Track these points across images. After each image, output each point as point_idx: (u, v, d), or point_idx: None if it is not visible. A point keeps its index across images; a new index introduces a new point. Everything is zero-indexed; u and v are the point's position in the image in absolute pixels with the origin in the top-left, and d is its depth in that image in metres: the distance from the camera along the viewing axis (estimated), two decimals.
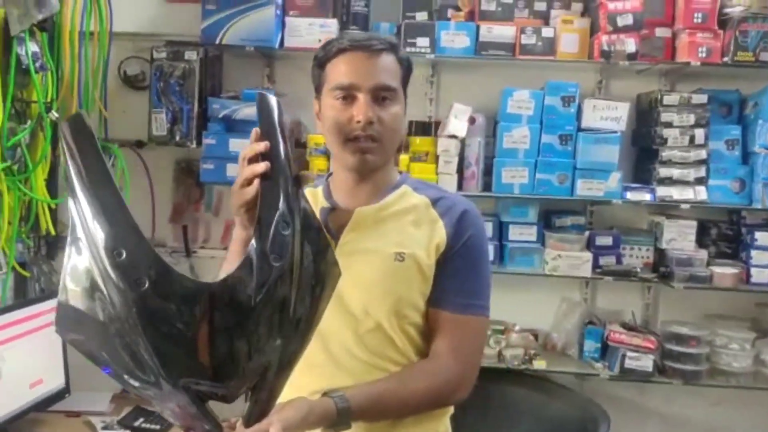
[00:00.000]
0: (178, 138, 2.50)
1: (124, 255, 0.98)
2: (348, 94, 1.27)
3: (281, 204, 1.07)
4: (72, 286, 1.01)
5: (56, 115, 2.28)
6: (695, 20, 2.43)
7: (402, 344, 1.31)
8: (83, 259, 0.99)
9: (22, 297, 2.45)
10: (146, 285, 0.97)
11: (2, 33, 2.06)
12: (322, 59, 1.33)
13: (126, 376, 1.02)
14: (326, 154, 2.50)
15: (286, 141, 1.12)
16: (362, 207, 1.34)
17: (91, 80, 2.43)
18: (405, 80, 1.35)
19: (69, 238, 1.01)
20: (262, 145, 1.10)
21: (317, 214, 1.30)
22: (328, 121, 1.30)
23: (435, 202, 1.34)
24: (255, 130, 1.13)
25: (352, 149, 1.29)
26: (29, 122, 2.23)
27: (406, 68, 1.35)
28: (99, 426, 2.34)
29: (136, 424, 2.37)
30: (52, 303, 2.31)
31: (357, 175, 1.34)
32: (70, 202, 1.02)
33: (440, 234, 1.31)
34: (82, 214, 1.00)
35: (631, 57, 2.44)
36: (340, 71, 1.29)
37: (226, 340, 1.01)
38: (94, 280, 0.98)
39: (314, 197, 1.40)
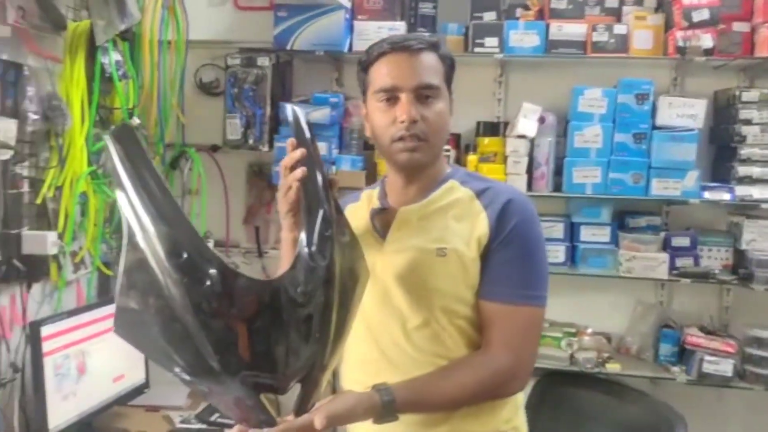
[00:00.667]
0: (251, 142, 2.57)
1: (185, 255, 1.01)
2: (391, 96, 1.30)
3: (322, 206, 1.14)
4: (131, 289, 1.03)
5: (138, 120, 2.38)
6: None
7: (452, 340, 1.31)
8: (143, 262, 1.02)
9: (106, 295, 2.56)
10: (207, 283, 1.01)
11: (88, 43, 2.17)
12: (365, 64, 1.36)
13: (183, 372, 1.05)
14: None
15: (317, 147, 1.21)
16: (406, 206, 1.36)
17: (169, 87, 2.53)
18: (448, 77, 1.36)
19: (126, 245, 1.03)
20: (299, 153, 1.17)
21: (368, 214, 1.39)
22: (374, 123, 1.34)
23: (479, 194, 1.34)
24: (290, 141, 1.21)
25: (398, 149, 1.31)
26: (113, 128, 2.32)
27: (449, 65, 1.36)
28: (177, 420, 2.42)
29: (212, 418, 2.44)
30: None
31: (406, 175, 1.36)
32: (126, 210, 1.03)
33: (482, 226, 1.30)
34: (140, 221, 1.02)
35: (708, 53, 2.37)
36: (381, 74, 1.32)
37: (281, 334, 1.06)
38: (155, 281, 1.01)
39: (370, 199, 1.45)
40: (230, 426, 2.35)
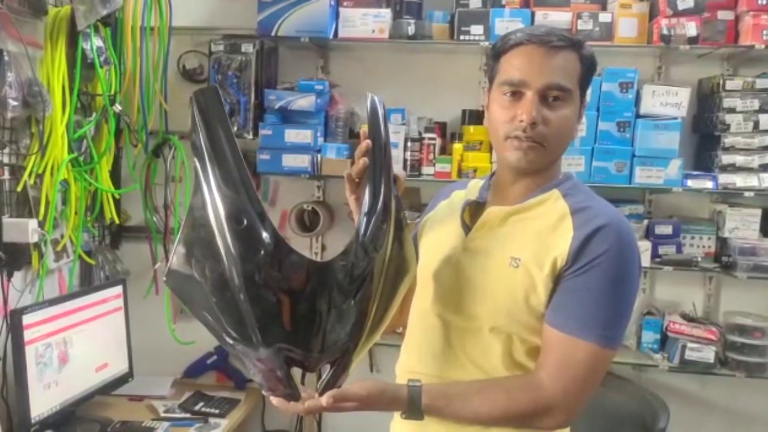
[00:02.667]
0: (235, 129, 2.54)
1: (245, 223, 1.03)
2: (516, 91, 1.22)
3: (382, 198, 1.14)
4: (186, 251, 1.06)
5: (119, 107, 2.36)
6: (759, 2, 2.35)
7: (502, 354, 1.26)
8: (204, 222, 1.04)
9: (88, 284, 2.54)
10: (261, 253, 1.03)
11: (68, 29, 2.13)
12: (498, 50, 1.28)
13: (224, 334, 1.08)
14: None
15: (389, 140, 1.20)
16: (495, 207, 1.30)
17: (151, 74, 2.50)
18: (584, 80, 1.27)
19: (192, 202, 1.06)
20: (369, 142, 1.17)
21: (462, 205, 1.36)
22: (493, 115, 1.27)
23: (575, 212, 1.24)
24: (363, 129, 1.20)
25: (511, 147, 1.24)
26: (94, 115, 2.30)
27: (588, 68, 1.26)
28: (161, 410, 2.42)
29: (197, 408, 2.44)
30: (116, 290, 2.40)
31: (513, 174, 1.29)
32: (197, 169, 1.06)
33: (563, 247, 1.20)
34: (209, 181, 1.05)
35: (692, 41, 2.37)
36: (512, 65, 1.24)
37: (322, 315, 1.08)
38: (211, 245, 1.03)
39: (474, 187, 1.40)
40: (214, 416, 2.36)
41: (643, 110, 2.41)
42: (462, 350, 1.30)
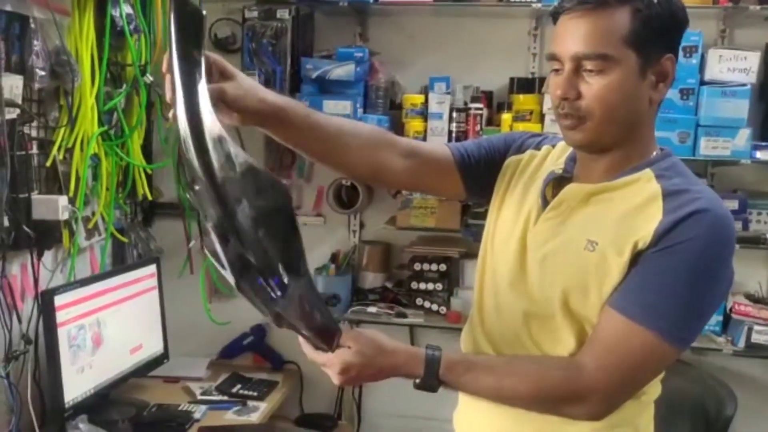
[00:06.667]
0: None
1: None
2: (558, 66, 1.12)
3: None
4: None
5: (150, 78, 2.25)
6: None
7: (574, 344, 1.14)
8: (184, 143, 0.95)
9: (121, 263, 2.46)
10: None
11: None
12: (552, 18, 1.16)
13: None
14: (423, 115, 2.39)
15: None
16: (576, 184, 1.18)
17: None
18: (642, 38, 1.07)
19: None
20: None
21: (545, 177, 1.22)
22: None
23: (668, 195, 1.09)
24: None
25: (561, 126, 1.14)
26: (124, 86, 2.20)
27: (644, 20, 1.06)
28: (198, 392, 2.35)
29: (234, 390, 2.37)
30: (150, 269, 2.31)
31: (585, 152, 1.18)
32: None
33: (647, 230, 1.07)
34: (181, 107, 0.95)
35: (763, 0, 2.19)
36: (553, 37, 1.14)
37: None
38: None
39: (560, 155, 1.26)
40: (252, 398, 2.28)
41: (708, 76, 2.24)
42: (529, 335, 1.19)
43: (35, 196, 1.94)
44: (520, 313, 1.19)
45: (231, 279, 0.98)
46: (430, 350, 1.11)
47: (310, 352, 1.10)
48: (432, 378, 1.10)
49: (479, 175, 1.32)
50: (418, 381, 1.11)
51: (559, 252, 1.15)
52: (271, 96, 1.13)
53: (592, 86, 1.08)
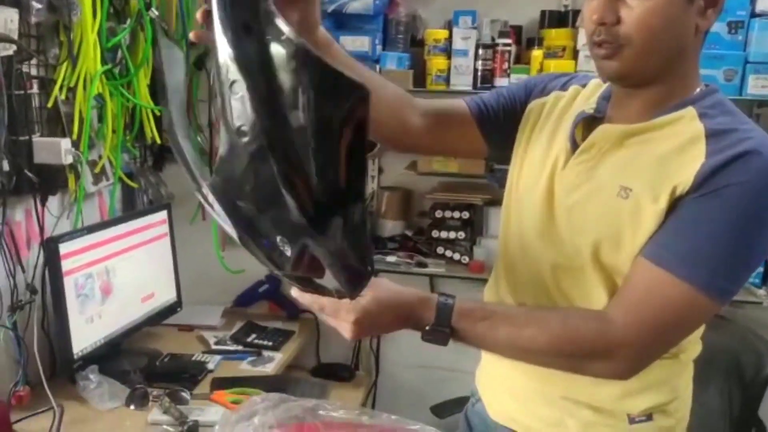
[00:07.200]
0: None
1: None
2: None
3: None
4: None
5: (156, 13, 2.10)
6: None
7: (605, 297, 1.06)
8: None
9: (131, 209, 2.37)
10: None
11: None
12: None
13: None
14: (447, 52, 2.23)
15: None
16: (609, 125, 1.07)
17: None
18: None
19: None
20: None
21: (575, 117, 1.11)
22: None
23: (712, 135, 0.98)
24: None
25: (595, 55, 1.04)
26: (128, 21, 2.06)
27: None
28: (212, 341, 2.29)
29: (249, 339, 2.31)
30: (161, 215, 2.22)
31: (620, 86, 1.07)
32: None
33: (688, 174, 0.96)
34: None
35: None
36: None
37: None
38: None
39: (591, 94, 1.17)
40: (267, 348, 2.21)
41: (759, 8, 2.05)
42: (557, 288, 1.11)
43: (36, 138, 1.83)
44: (548, 265, 1.11)
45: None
46: (443, 296, 1.02)
47: (316, 301, 0.96)
48: (444, 324, 1.00)
49: (499, 127, 1.24)
50: (427, 328, 1.01)
51: (589, 199, 1.06)
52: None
53: (634, 10, 0.98)
